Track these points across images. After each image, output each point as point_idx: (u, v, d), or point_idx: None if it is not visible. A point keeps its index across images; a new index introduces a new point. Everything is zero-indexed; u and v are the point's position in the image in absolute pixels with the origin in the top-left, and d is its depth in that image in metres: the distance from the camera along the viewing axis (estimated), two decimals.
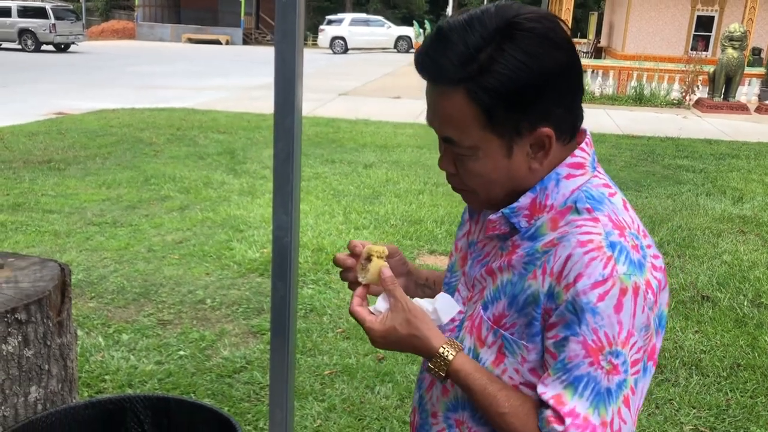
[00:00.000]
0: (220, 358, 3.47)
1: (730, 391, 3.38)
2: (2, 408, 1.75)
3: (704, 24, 22.14)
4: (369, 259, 1.16)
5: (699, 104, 14.94)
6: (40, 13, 26.31)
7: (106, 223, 5.53)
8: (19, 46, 26.25)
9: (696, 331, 4.00)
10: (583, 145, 1.05)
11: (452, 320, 1.13)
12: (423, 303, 1.11)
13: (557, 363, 0.96)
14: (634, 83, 15.91)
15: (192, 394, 3.10)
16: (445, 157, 1.06)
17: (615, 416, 0.95)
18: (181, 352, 3.51)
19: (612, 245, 0.95)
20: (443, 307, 1.11)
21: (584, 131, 1.07)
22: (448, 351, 1.04)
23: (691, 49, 21.33)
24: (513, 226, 1.05)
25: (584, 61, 18.55)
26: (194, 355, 3.49)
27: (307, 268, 4.67)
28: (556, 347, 0.97)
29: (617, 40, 23.67)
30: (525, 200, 1.03)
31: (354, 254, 1.21)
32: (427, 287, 1.32)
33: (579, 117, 1.03)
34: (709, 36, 22.06)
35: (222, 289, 4.32)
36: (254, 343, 3.65)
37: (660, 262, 1.01)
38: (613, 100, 15.55)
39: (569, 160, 1.03)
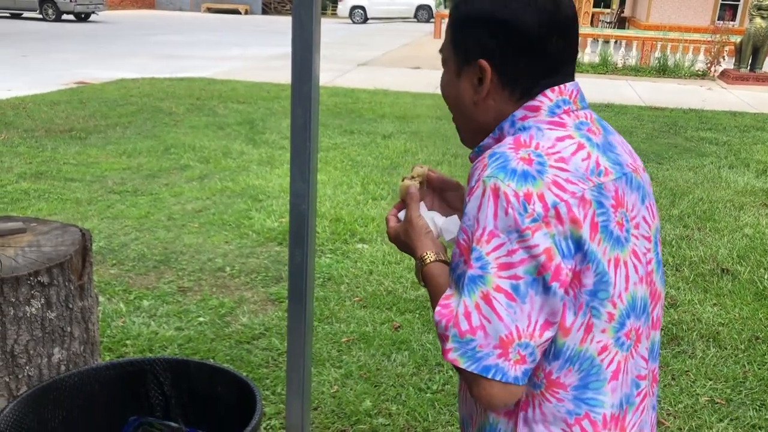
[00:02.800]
0: (239, 325, 3.52)
1: (748, 363, 3.37)
2: (27, 368, 1.79)
3: None
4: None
5: (724, 75, 14.66)
6: None
7: (126, 191, 5.59)
8: (40, 16, 26.30)
9: (714, 304, 3.98)
10: (547, 91, 1.09)
11: None
12: (437, 219, 1.26)
13: (450, 268, 1.08)
14: (657, 54, 15.62)
15: (211, 360, 3.15)
16: None
17: (472, 310, 0.98)
18: (201, 319, 3.56)
19: (492, 155, 1.03)
20: (447, 226, 1.24)
21: (572, 83, 1.12)
22: (428, 256, 1.16)
23: (718, 19, 20.88)
24: None
25: (607, 32, 18.27)
26: (213, 321, 3.54)
27: (325, 237, 4.70)
28: None
29: (641, 10, 23.23)
30: (488, 141, 1.13)
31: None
32: None
33: (536, 80, 1.09)
34: (737, 5, 21.56)
35: (241, 258, 4.36)
36: (273, 311, 3.69)
37: (573, 188, 1.00)
38: (636, 71, 15.29)
39: (528, 103, 1.09)
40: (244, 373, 3.01)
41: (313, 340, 3.24)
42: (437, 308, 1.03)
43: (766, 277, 4.37)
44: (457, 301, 1.01)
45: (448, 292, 1.05)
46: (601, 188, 1.03)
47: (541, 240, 0.97)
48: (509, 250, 0.97)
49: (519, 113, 1.09)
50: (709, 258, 4.65)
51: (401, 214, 1.27)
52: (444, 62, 1.16)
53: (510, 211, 0.97)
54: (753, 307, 3.95)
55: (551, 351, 1.04)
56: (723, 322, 3.77)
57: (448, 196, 1.34)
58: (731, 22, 20.73)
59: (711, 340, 3.57)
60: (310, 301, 2.13)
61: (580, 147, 1.05)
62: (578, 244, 0.99)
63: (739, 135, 8.94)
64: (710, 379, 3.22)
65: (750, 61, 14.40)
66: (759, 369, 3.32)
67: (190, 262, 4.25)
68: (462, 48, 1.11)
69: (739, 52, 14.48)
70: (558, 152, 1.03)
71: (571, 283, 1.01)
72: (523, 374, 1.00)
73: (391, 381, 3.09)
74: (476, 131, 1.15)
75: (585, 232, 1.00)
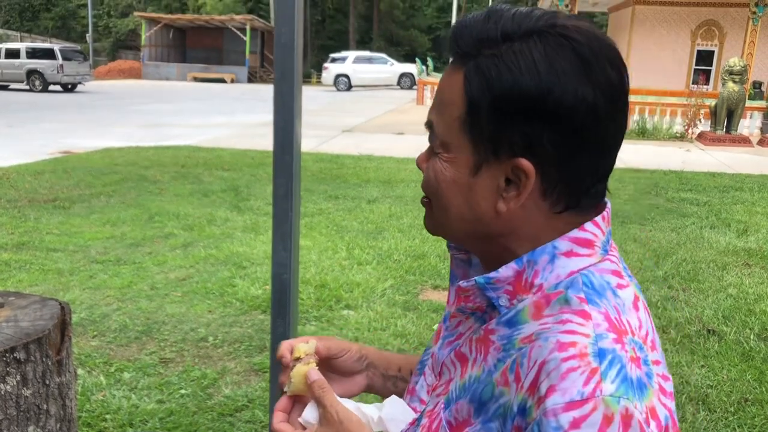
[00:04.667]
0: (222, 397, 3.44)
1: (738, 426, 3.33)
2: None
3: (704, 58, 22.38)
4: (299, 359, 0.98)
5: (702, 137, 15.01)
6: (48, 54, 26.78)
7: (109, 261, 5.54)
8: (27, 87, 26.64)
9: (702, 366, 3.95)
10: (597, 219, 0.82)
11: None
12: (367, 409, 0.92)
13: None
14: (636, 117, 16.03)
15: None
16: (426, 150, 0.88)
17: None
18: (183, 391, 3.49)
19: (601, 354, 0.72)
20: (392, 414, 0.91)
21: (604, 203, 0.85)
22: None
23: (693, 83, 21.51)
24: (491, 302, 0.83)
25: None
26: (196, 393, 3.47)
27: (309, 304, 4.66)
28: None
29: None
30: (507, 272, 0.81)
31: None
32: (401, 380, 1.07)
33: (586, 188, 0.81)
34: (710, 70, 22.27)
35: (224, 327, 4.31)
36: (256, 381, 3.62)
37: (670, 387, 0.77)
38: None
39: (574, 234, 0.81)
40: None
41: None
42: None
43: (752, 337, 4.36)
44: None
45: None
46: None
47: None
48: None
49: (562, 245, 0.80)
50: (694, 319, 4.65)
51: (307, 416, 0.92)
52: (442, 146, 0.82)
53: None
54: (740, 369, 3.93)
55: None
56: (711, 384, 3.74)
57: (336, 364, 1.04)
58: (705, 86, 21.36)
59: (700, 403, 3.54)
60: None
61: (647, 310, 0.82)
62: None
63: (719, 195, 9.08)
64: None
65: (725, 123, 14.79)
66: None
67: (172, 333, 4.19)
68: (489, 137, 0.78)
69: (714, 114, 14.88)
70: (647, 334, 0.79)
71: None
72: None
73: None
74: (483, 240, 0.85)
75: None
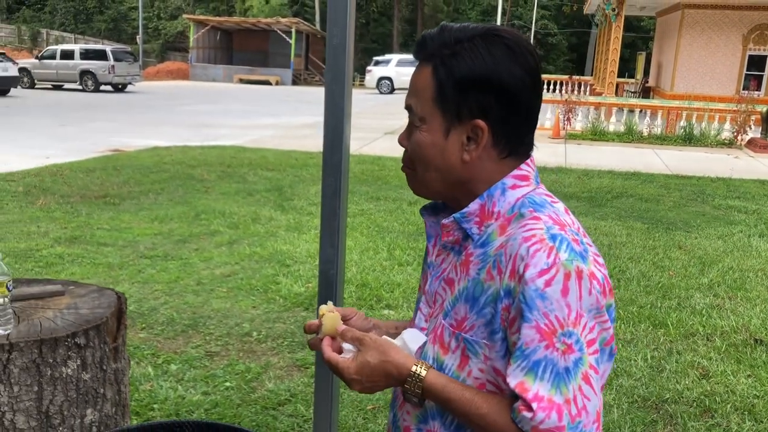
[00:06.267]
0: (265, 391, 3.52)
1: None
2: (60, 429, 1.82)
3: (756, 63, 21.80)
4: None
5: (751, 144, 14.65)
6: (100, 55, 27.44)
7: (157, 256, 5.69)
8: (80, 87, 27.36)
9: (749, 376, 3.89)
10: (528, 161, 1.15)
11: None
12: (391, 340, 1.18)
13: (516, 351, 1.03)
14: (683, 123, 15.71)
15: (237, 425, 3.15)
16: (405, 131, 1.18)
17: (577, 393, 1.01)
18: (227, 384, 3.57)
19: (553, 237, 1.04)
20: (410, 337, 1.18)
21: (531, 153, 1.17)
22: (420, 368, 1.11)
23: (743, 89, 21.00)
24: (465, 233, 1.14)
25: (632, 101, 18.45)
26: (240, 386, 3.55)
27: (351, 303, 4.72)
28: (516, 338, 1.04)
29: (666, 80, 23.48)
30: (474, 206, 1.13)
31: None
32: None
33: (521, 138, 1.13)
34: (762, 75, 21.70)
35: (268, 323, 4.39)
36: (299, 377, 3.69)
37: (602, 260, 1.09)
38: (661, 140, 15.37)
39: (515, 172, 1.13)
40: None
41: (339, 407, 3.23)
42: (534, 404, 1.00)
43: None
44: (551, 388, 1.01)
45: (518, 378, 1.02)
46: None
47: (603, 311, 1.06)
48: (591, 327, 1.03)
49: (509, 181, 1.13)
50: (741, 328, 4.57)
51: (345, 347, 1.20)
52: (421, 120, 1.13)
53: (593, 291, 1.03)
54: None
55: None
56: (758, 394, 3.68)
57: (349, 324, 1.30)
58: (756, 92, 20.83)
59: (746, 413, 3.48)
60: None
61: (567, 210, 1.13)
62: (609, 310, 1.08)
63: None
64: None
65: None
66: None
67: (217, 327, 4.29)
68: (454, 107, 1.10)
69: (765, 121, 14.51)
70: (579, 228, 1.10)
71: None
72: None
73: None
74: (454, 186, 1.15)
75: (611, 296, 1.09)
